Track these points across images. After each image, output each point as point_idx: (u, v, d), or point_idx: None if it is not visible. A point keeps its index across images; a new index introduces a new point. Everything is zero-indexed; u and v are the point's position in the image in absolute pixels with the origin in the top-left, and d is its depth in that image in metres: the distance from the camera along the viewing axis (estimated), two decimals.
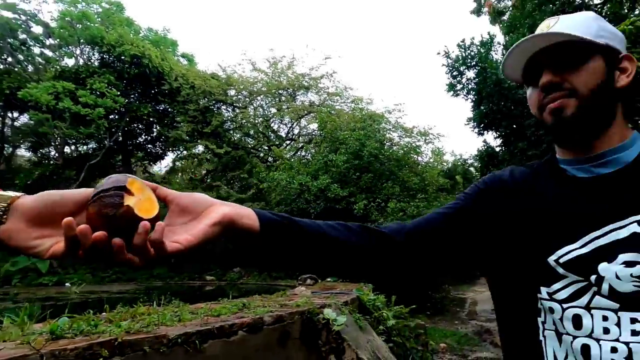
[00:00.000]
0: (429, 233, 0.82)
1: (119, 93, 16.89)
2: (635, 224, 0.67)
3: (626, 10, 9.22)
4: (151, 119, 19.76)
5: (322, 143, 13.66)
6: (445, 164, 16.19)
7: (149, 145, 21.44)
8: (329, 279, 12.54)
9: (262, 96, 18.79)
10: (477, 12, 13.16)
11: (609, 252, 0.67)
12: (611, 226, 0.68)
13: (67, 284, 13.40)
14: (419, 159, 13.48)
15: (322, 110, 15.94)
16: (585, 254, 0.69)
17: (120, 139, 19.61)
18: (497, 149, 13.08)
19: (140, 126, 20.64)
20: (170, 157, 22.04)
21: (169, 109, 19.42)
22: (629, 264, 0.65)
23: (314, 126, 18.17)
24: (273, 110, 19.35)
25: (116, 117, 18.61)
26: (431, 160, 14.38)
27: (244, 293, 13.69)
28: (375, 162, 11.87)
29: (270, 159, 18.40)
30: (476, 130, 13.14)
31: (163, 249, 0.54)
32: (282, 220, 0.69)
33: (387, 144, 13.17)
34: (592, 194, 0.73)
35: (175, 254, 0.55)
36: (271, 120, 19.79)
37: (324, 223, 0.75)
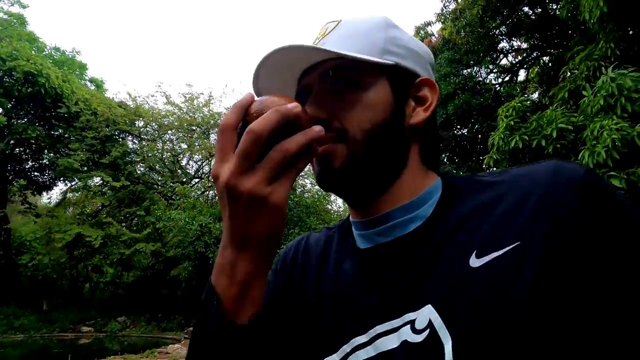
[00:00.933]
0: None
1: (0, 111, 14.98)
2: (408, 327, 0.48)
3: (518, 90, 10.46)
4: (42, 144, 17.70)
5: None
6: None
7: (36, 173, 19.20)
8: None
9: (173, 130, 18.00)
10: None
11: None
12: (379, 327, 0.50)
13: None
14: (329, 207, 13.54)
15: None
16: None
17: None
18: None
19: (27, 151, 18.46)
20: (60, 187, 19.78)
21: (66, 135, 17.62)
22: None
23: None
24: (183, 145, 18.58)
25: None
26: (341, 209, 14.49)
27: (125, 347, 12.25)
28: None
29: (175, 196, 17.22)
30: None
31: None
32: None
33: (299, 189, 13.04)
34: (367, 275, 0.56)
35: None
36: (180, 156, 18.95)
37: None
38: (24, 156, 18.73)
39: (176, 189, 15.74)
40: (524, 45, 10.48)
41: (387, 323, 0.50)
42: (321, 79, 0.56)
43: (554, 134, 4.62)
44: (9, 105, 16.38)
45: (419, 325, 0.47)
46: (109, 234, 15.59)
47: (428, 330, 0.46)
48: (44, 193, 20.69)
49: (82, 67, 20.78)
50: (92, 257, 16.76)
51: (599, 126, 4.04)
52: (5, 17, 17.66)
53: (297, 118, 0.46)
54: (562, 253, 0.43)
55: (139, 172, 18.21)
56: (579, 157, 4.20)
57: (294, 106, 0.46)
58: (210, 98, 18.20)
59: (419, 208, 0.56)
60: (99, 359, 6.87)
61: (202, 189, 17.62)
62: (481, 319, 0.43)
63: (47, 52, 19.19)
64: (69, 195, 19.51)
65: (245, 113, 0.47)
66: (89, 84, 20.85)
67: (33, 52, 17.01)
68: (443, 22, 10.14)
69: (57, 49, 19.88)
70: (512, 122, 5.20)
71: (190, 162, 19.45)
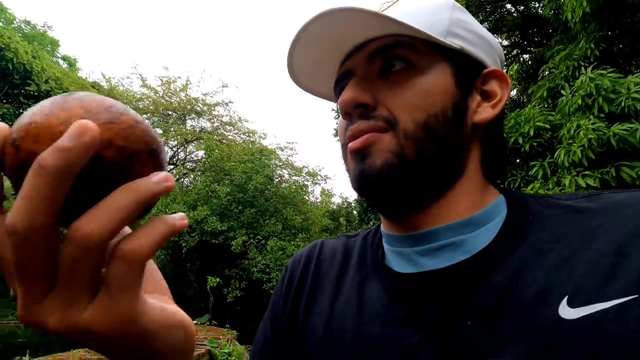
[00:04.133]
0: None
1: None
2: None
3: None
4: (10, 123, 16.98)
5: (207, 172, 12.85)
6: (332, 204, 16.51)
7: None
8: (194, 321, 11.43)
9: (148, 114, 17.49)
10: None
11: None
12: None
13: None
14: (307, 198, 13.48)
15: (211, 138, 15.23)
16: None
17: None
18: None
19: None
20: None
21: None
22: None
23: (201, 153, 17.40)
24: (159, 130, 18.09)
25: None
26: (318, 200, 14.46)
27: None
28: (260, 197, 11.49)
29: None
30: None
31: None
32: None
33: (276, 179, 12.93)
34: (408, 307, 0.44)
35: None
36: None
37: None
38: None
39: None
40: (505, 43, 10.54)
41: None
42: (369, 60, 0.47)
43: (531, 132, 4.62)
44: None
45: None
46: None
47: None
48: None
49: (54, 43, 20.05)
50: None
51: (575, 125, 4.05)
52: None
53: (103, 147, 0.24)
54: None
55: None
56: (555, 156, 4.21)
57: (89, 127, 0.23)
58: (188, 82, 17.80)
59: (480, 227, 0.45)
60: (62, 351, 6.73)
61: (177, 176, 17.26)
62: None
63: (16, 25, 18.37)
64: None
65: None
66: (61, 61, 20.14)
67: (0, 23, 16.31)
68: None
69: (27, 22, 19.11)
70: (504, 118, 5.22)
71: (165, 148, 18.94)
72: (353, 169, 0.46)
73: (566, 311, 0.36)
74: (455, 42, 0.46)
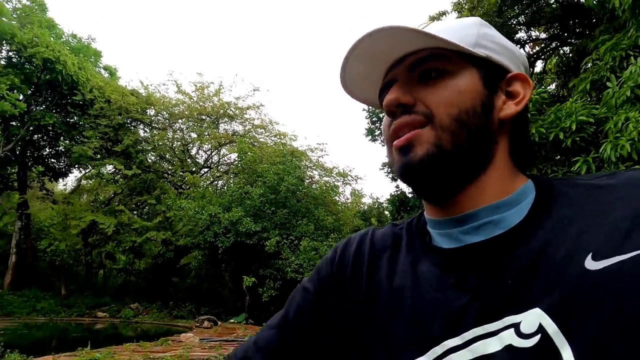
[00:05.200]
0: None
1: (20, 97, 15.32)
2: (512, 330, 0.44)
3: (535, 82, 10.11)
4: (59, 131, 18.09)
5: (240, 174, 13.10)
6: (363, 205, 16.44)
7: (53, 160, 19.66)
8: (232, 320, 11.69)
9: (183, 119, 18.08)
10: None
11: None
12: (476, 330, 0.46)
13: None
14: (337, 198, 13.46)
15: (243, 141, 15.52)
16: None
17: (19, 149, 17.74)
18: (409, 195, 13.36)
19: (45, 138, 18.95)
20: (76, 174, 20.22)
21: (80, 122, 17.92)
22: None
23: (234, 156, 17.73)
24: (193, 135, 18.67)
25: (18, 124, 17.05)
26: (349, 201, 14.41)
27: (139, 333, 12.49)
28: (292, 198, 11.62)
29: (184, 185, 17.37)
30: (390, 175, 13.39)
31: None
32: None
33: (307, 180, 13.01)
34: (456, 275, 0.51)
35: None
36: (190, 145, 19.07)
37: None
38: (41, 143, 19.27)
39: (186, 178, 15.84)
40: (543, 36, 10.10)
41: (486, 325, 0.46)
42: (408, 71, 0.55)
43: (574, 127, 4.41)
44: (29, 92, 16.75)
45: (526, 329, 0.44)
46: (121, 222, 15.81)
47: (539, 336, 0.43)
48: (60, 179, 21.21)
49: (97, 54, 20.86)
50: (105, 244, 17.15)
51: (623, 118, 3.83)
52: (28, 3, 17.81)
53: None
54: None
55: (149, 160, 18.42)
56: (600, 151, 4.00)
57: None
58: (221, 87, 18.22)
59: (512, 208, 0.52)
60: (115, 345, 7.17)
61: (211, 179, 17.70)
62: (606, 327, 0.40)
63: (64, 39, 19.32)
64: (83, 182, 19.92)
65: None
66: (102, 71, 21.00)
67: (51, 38, 17.19)
68: (459, 12, 9.80)
69: (74, 36, 20.00)
70: (528, 114, 5.03)
71: (200, 152, 19.54)
72: (397, 161, 0.54)
73: (591, 264, 0.43)
74: (482, 52, 0.54)
